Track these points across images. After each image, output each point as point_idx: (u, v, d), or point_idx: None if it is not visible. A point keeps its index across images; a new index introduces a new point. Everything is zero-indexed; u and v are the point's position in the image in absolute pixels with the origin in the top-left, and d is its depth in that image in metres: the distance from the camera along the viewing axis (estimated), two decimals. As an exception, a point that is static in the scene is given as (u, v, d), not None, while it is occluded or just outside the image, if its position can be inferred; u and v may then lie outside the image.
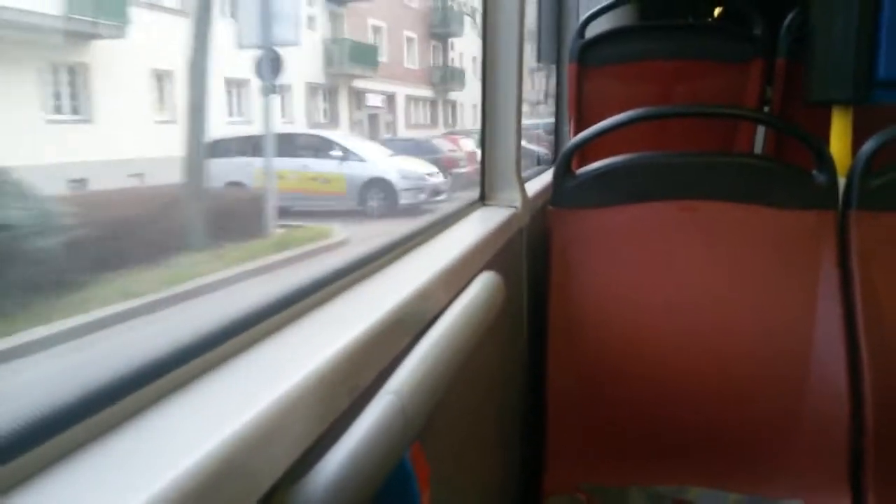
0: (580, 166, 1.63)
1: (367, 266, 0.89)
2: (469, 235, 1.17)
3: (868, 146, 1.54)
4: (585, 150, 1.64)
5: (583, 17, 2.47)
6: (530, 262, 1.60)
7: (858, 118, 1.88)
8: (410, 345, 0.71)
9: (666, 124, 1.90)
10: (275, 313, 0.66)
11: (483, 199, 1.51)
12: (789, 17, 2.37)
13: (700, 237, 1.57)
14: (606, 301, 1.58)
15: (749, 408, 1.51)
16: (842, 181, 1.54)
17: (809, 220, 1.53)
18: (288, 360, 0.58)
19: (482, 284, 0.92)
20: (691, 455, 1.51)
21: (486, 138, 1.50)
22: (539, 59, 3.09)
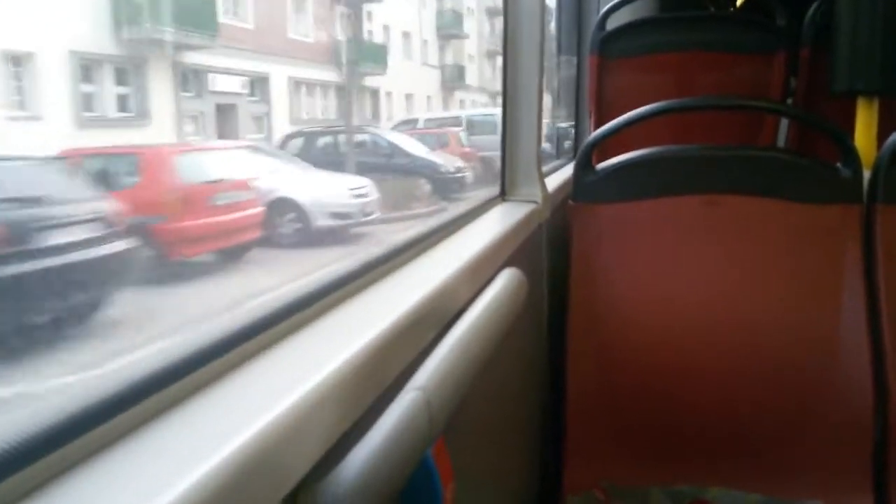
0: (601, 160, 1.62)
1: (390, 262, 0.90)
2: (490, 231, 1.17)
3: (894, 138, 1.52)
4: (606, 144, 1.63)
5: (603, 9, 2.45)
6: (551, 257, 1.60)
7: (884, 109, 1.85)
8: (434, 341, 0.72)
9: (687, 117, 1.88)
10: (298, 311, 0.67)
11: (503, 195, 1.50)
12: (813, 6, 2.33)
13: (723, 232, 1.55)
14: (627, 296, 1.57)
15: (771, 406, 1.50)
16: (867, 174, 1.52)
17: (834, 213, 1.51)
18: (313, 357, 0.59)
19: (505, 280, 0.92)
20: (711, 454, 1.50)
21: (506, 133, 1.49)
22: (559, 52, 3.07)
